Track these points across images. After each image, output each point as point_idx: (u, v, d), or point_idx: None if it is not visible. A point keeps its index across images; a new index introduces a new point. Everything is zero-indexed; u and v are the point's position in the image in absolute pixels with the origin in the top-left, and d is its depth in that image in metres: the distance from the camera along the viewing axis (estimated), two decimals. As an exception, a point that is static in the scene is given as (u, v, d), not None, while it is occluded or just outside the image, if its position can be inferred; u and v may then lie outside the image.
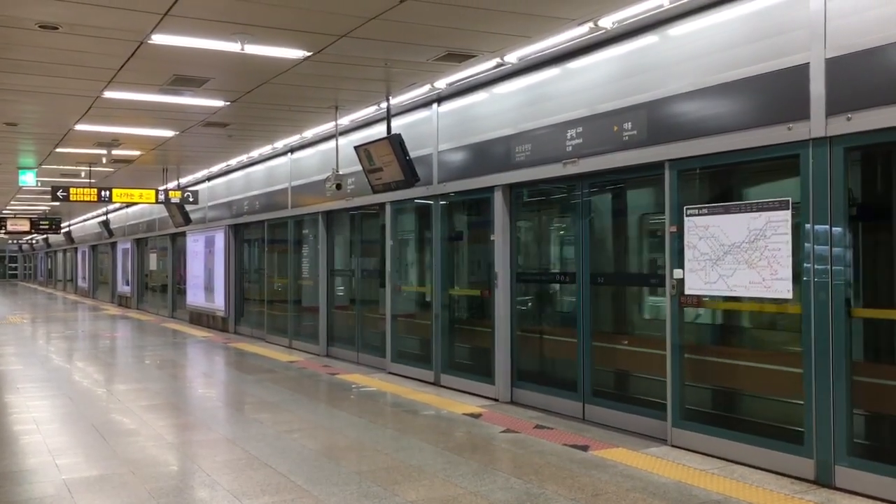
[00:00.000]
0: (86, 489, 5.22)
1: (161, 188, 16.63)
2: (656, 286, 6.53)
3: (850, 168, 5.13)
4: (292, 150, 13.59)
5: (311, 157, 12.94)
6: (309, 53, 7.39)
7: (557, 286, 8.34)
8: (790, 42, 5.32)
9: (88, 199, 15.24)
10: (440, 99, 9.34)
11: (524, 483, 5.25)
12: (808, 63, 5.17)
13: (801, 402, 5.24)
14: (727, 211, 5.74)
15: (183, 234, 19.82)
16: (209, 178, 18.08)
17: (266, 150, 13.91)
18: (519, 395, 8.19)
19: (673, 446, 6.15)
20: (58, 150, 13.50)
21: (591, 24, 6.54)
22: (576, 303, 7.41)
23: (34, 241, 49.79)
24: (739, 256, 5.63)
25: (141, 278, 25.83)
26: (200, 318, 18.61)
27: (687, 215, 6.05)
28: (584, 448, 6.18)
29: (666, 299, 6.22)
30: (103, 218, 25.68)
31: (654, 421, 6.48)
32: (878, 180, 5.64)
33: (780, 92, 5.38)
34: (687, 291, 6.06)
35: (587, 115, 7.07)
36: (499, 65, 7.78)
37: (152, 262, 24.24)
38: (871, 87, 4.81)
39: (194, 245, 18.92)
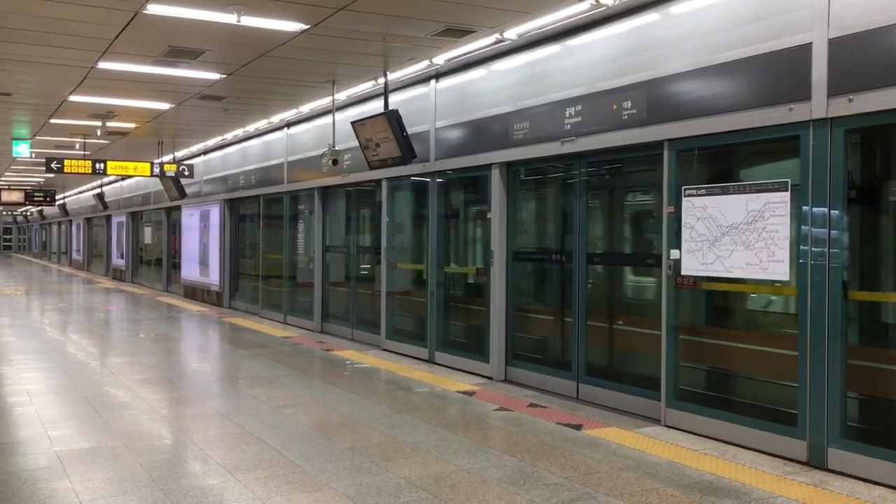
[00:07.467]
0: (78, 461, 5.21)
1: (156, 161, 16.52)
2: (652, 266, 6.50)
3: (850, 150, 5.10)
4: (289, 124, 13.49)
5: (307, 132, 12.85)
6: (306, 26, 7.30)
7: (553, 265, 8.32)
8: (792, 22, 5.26)
9: (83, 171, 15.14)
10: (438, 75, 9.25)
11: (517, 461, 5.26)
12: (811, 43, 5.12)
13: (795, 384, 5.24)
14: (725, 192, 5.71)
15: (178, 207, 19.75)
16: (205, 152, 17.98)
17: (262, 124, 13.81)
18: (513, 374, 8.19)
19: (666, 426, 6.16)
20: (52, 121, 13.39)
21: (592, 0, 6.47)
22: (571, 282, 7.40)
23: (28, 213, 49.63)
24: (737, 238, 5.60)
25: (135, 252, 25.77)
26: (195, 293, 18.57)
27: (685, 196, 6.01)
28: (578, 427, 6.19)
29: (662, 280, 6.21)
30: (98, 190, 25.58)
31: (648, 401, 6.49)
32: (878, 163, 5.61)
33: (781, 72, 5.33)
34: (683, 272, 6.04)
35: (586, 93, 7.01)
36: (498, 41, 7.70)
37: (147, 235, 24.15)
38: (874, 68, 4.77)
39: (189, 219, 18.85)
